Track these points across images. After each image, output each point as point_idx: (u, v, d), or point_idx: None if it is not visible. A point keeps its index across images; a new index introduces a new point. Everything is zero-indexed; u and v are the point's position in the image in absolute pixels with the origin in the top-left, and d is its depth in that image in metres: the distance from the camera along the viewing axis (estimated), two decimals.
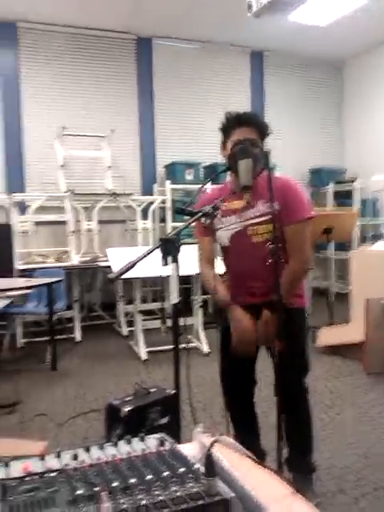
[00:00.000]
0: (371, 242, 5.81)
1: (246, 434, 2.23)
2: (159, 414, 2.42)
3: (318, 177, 7.14)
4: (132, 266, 1.54)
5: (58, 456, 0.96)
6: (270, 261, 1.90)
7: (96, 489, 0.79)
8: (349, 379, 3.78)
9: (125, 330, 5.37)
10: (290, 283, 1.98)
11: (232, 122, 2.00)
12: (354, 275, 4.61)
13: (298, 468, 2.17)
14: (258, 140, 1.97)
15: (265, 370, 2.23)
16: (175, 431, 1.66)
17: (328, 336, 4.44)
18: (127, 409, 2.34)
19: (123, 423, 2.34)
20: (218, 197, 1.91)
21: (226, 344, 2.12)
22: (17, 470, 0.91)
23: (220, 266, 2.22)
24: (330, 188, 6.92)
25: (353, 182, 6.68)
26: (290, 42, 6.79)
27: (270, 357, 2.12)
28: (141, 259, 1.56)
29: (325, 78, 7.64)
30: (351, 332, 4.31)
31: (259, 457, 2.14)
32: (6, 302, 2.97)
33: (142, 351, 4.41)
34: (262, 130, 2.01)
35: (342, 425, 2.98)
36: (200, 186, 2.16)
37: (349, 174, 7.19)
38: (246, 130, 1.96)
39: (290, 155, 7.03)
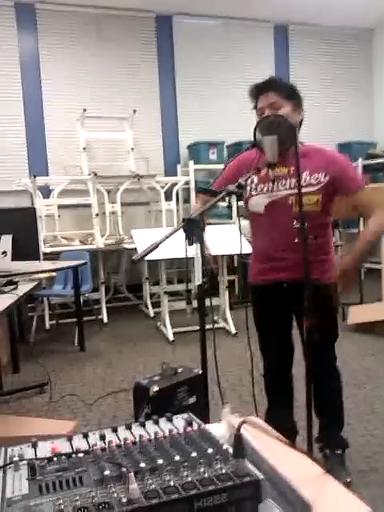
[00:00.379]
0: None
1: (280, 407, 2.21)
2: (187, 393, 2.43)
3: (348, 151, 6.93)
4: (155, 247, 1.52)
5: (86, 436, 0.96)
6: (296, 240, 1.84)
7: (123, 469, 0.78)
8: (381, 356, 3.73)
9: (151, 311, 5.40)
10: (374, 232, 2.02)
11: (253, 93, 1.98)
12: None
13: (330, 444, 2.15)
14: (283, 100, 1.93)
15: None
16: (203, 411, 1.65)
17: (359, 314, 4.37)
18: (155, 388, 2.35)
19: (151, 402, 2.36)
20: (248, 163, 1.86)
21: (260, 314, 2.14)
22: (45, 450, 0.91)
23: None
24: (361, 162, 6.74)
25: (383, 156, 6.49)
26: (315, 14, 6.57)
27: (299, 331, 2.10)
28: (164, 240, 1.54)
29: (353, 48, 7.38)
30: (383, 309, 4.24)
31: (290, 435, 2.13)
32: (33, 284, 2.99)
33: (169, 332, 4.42)
34: (284, 90, 1.96)
35: (375, 402, 2.94)
36: (223, 165, 2.11)
37: (379, 147, 6.98)
38: (267, 96, 1.93)
39: (318, 130, 6.84)
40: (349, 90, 7.38)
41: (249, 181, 1.98)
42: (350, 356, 3.69)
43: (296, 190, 1.92)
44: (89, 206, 5.23)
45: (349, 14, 6.68)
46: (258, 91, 1.97)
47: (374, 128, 7.51)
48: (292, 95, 1.97)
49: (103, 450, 0.89)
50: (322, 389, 2.03)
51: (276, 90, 1.94)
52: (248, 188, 2.02)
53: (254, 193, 2.03)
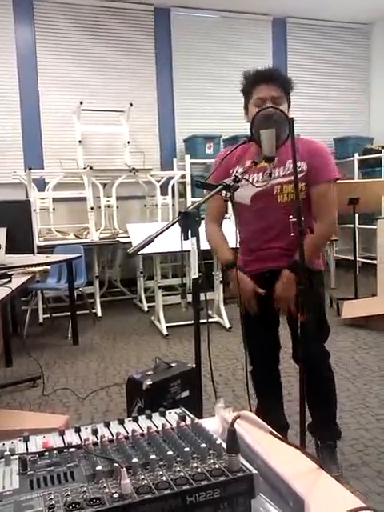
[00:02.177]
0: None
1: (270, 403, 2.22)
2: (180, 387, 2.43)
3: (344, 146, 6.95)
4: (150, 241, 1.51)
5: (78, 431, 0.95)
6: (292, 234, 1.83)
7: (115, 464, 0.78)
8: (375, 351, 3.75)
9: (145, 306, 5.39)
10: (315, 245, 1.97)
11: (251, 80, 1.93)
12: (380, 246, 4.52)
13: (323, 434, 2.16)
14: (283, 97, 1.91)
15: (285, 341, 2.21)
16: (196, 405, 1.65)
17: (353, 308, 4.38)
18: (148, 382, 2.34)
19: (144, 397, 2.35)
20: (240, 159, 1.85)
21: (247, 313, 2.12)
22: (36, 444, 0.90)
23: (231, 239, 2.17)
24: (357, 157, 6.74)
25: (380, 151, 6.49)
26: (313, 8, 6.55)
27: (288, 325, 2.11)
28: (159, 234, 1.53)
29: (350, 43, 7.37)
30: (378, 304, 4.26)
31: (281, 428, 2.14)
32: (27, 277, 2.98)
33: (163, 326, 4.42)
34: (286, 85, 1.93)
35: (368, 396, 2.95)
36: (221, 159, 2.10)
37: (376, 142, 6.98)
38: (267, 87, 1.89)
39: (314, 124, 6.85)
40: (346, 85, 7.37)
41: (234, 172, 1.96)
42: (344, 350, 3.71)
43: (281, 180, 1.93)
44: (84, 199, 5.21)
45: (347, 9, 6.67)
46: (261, 79, 1.91)
47: (370, 123, 7.51)
48: (288, 91, 1.95)
49: (95, 444, 0.89)
50: (313, 384, 2.02)
51: (280, 83, 1.91)
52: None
53: (240, 183, 2.02)
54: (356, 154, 6.75)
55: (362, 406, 2.83)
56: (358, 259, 5.69)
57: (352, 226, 5.11)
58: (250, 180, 1.98)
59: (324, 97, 7.15)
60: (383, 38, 7.21)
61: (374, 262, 4.98)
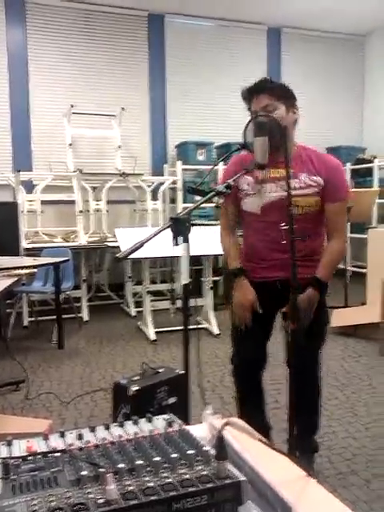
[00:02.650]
0: None
1: (252, 411, 2.20)
2: (167, 393, 2.40)
3: (336, 155, 6.96)
4: (140, 245, 1.51)
5: (63, 435, 0.93)
6: (284, 242, 1.83)
7: (101, 470, 0.76)
8: (364, 359, 3.76)
9: (133, 311, 5.36)
10: (334, 261, 2.02)
11: (245, 96, 1.97)
12: (370, 255, 4.56)
13: (302, 446, 2.15)
14: (275, 103, 1.91)
15: (275, 350, 2.20)
16: (183, 411, 1.64)
17: (343, 317, 4.40)
18: (135, 388, 2.32)
19: (130, 402, 2.32)
20: (242, 166, 1.85)
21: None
22: (20, 449, 0.88)
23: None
24: (349, 167, 6.80)
25: (372, 161, 6.55)
26: (309, 18, 6.63)
27: (285, 331, 2.10)
28: (149, 239, 1.52)
29: (345, 54, 7.45)
30: (367, 313, 4.28)
31: (264, 432, 2.13)
32: (13, 280, 2.95)
33: (151, 332, 4.39)
34: (279, 92, 1.95)
35: (357, 405, 2.96)
36: (212, 166, 2.11)
37: (368, 152, 7.05)
38: (260, 99, 1.91)
39: (308, 133, 6.88)
40: (340, 95, 7.45)
41: (244, 181, 1.97)
42: (333, 359, 3.72)
43: (296, 191, 1.92)
44: (73, 202, 5.18)
45: (342, 20, 6.76)
46: (250, 94, 1.95)
47: (363, 133, 7.59)
48: (285, 95, 1.96)
49: (80, 449, 0.87)
50: (301, 394, 2.02)
51: (268, 92, 1.92)
52: (244, 187, 2.01)
53: (250, 192, 2.01)
54: (348, 164, 6.81)
55: (351, 414, 2.83)
56: (348, 268, 5.73)
57: (365, 236, 5.10)
58: (260, 189, 1.98)
59: (318, 106, 7.20)
60: (377, 49, 7.30)
61: (364, 270, 5.01)
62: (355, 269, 6.39)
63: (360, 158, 6.89)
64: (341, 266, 5.35)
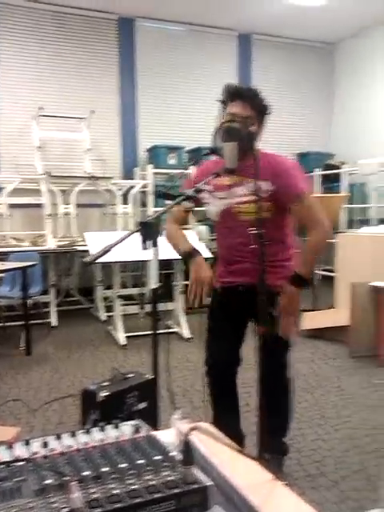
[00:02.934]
0: (358, 226, 5.82)
1: (226, 416, 2.21)
2: (137, 399, 2.38)
3: (306, 161, 7.11)
4: (109, 249, 1.50)
5: (27, 444, 0.91)
6: (252, 246, 1.85)
7: (65, 478, 0.75)
8: (334, 362, 3.82)
9: (103, 315, 5.30)
10: (313, 253, 2.01)
11: (230, 93, 1.95)
12: (339, 259, 4.64)
13: (272, 449, 2.16)
14: (254, 117, 1.92)
15: (245, 354, 2.21)
16: (153, 417, 1.63)
17: (312, 320, 4.46)
18: (104, 394, 2.28)
19: (99, 408, 2.29)
20: (211, 171, 1.85)
21: (213, 320, 2.13)
22: None
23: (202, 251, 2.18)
24: (318, 173, 6.92)
25: (340, 167, 6.68)
26: (279, 25, 6.72)
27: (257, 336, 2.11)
28: (117, 243, 1.51)
29: (314, 61, 7.57)
30: (336, 316, 4.35)
31: (238, 440, 2.13)
32: None
33: (121, 336, 4.35)
34: (258, 107, 1.95)
35: (326, 407, 3.00)
36: (182, 170, 2.12)
37: (337, 158, 7.18)
38: (238, 105, 1.91)
39: (277, 139, 6.99)
40: (309, 102, 7.56)
41: (206, 188, 1.98)
42: (302, 361, 3.76)
43: (240, 199, 1.95)
44: (41, 206, 5.10)
45: (311, 28, 6.87)
46: (238, 95, 1.93)
47: (331, 140, 7.72)
48: (262, 113, 1.97)
49: (45, 457, 0.85)
50: (271, 397, 2.03)
51: (254, 104, 1.93)
52: (207, 195, 2.02)
53: (210, 200, 2.04)
54: (317, 170, 6.93)
55: (320, 416, 2.87)
56: (317, 272, 5.82)
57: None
58: (214, 197, 2.00)
59: (287, 113, 7.29)
60: (346, 58, 7.45)
61: (333, 274, 5.10)
62: (324, 273, 6.49)
63: (328, 163, 7.02)
64: None
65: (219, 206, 2.01)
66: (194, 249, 2.02)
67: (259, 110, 1.96)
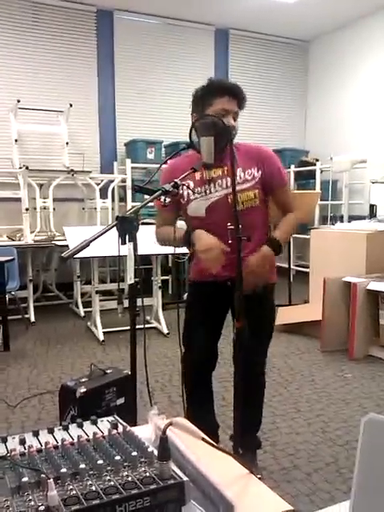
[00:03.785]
0: (331, 222, 5.91)
1: (201, 409, 2.22)
2: (115, 394, 2.39)
3: (281, 157, 7.14)
4: (87, 244, 1.48)
5: (4, 441, 0.91)
6: (230, 242, 1.85)
7: (43, 475, 0.75)
8: (307, 356, 3.87)
9: (81, 311, 5.27)
10: (292, 226, 2.10)
11: (217, 89, 1.93)
12: (313, 255, 4.70)
13: (245, 443, 2.19)
14: (238, 113, 1.97)
15: (221, 348, 2.23)
16: (131, 412, 1.63)
17: (287, 315, 4.52)
18: (82, 390, 2.29)
19: (78, 404, 2.29)
20: (185, 168, 1.84)
21: (192, 314, 2.13)
22: None
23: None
24: (292, 169, 6.97)
25: (314, 164, 6.75)
26: (256, 21, 6.74)
27: (235, 332, 2.12)
28: (95, 238, 1.50)
29: (290, 58, 7.61)
30: (309, 311, 4.41)
31: (212, 431, 2.16)
32: None
33: (100, 332, 4.34)
34: (242, 105, 2.00)
35: (300, 401, 3.04)
36: (160, 164, 2.11)
37: (310, 155, 7.25)
38: (233, 102, 1.93)
39: (253, 135, 7.02)
40: (284, 98, 7.61)
41: (185, 187, 1.95)
42: (277, 356, 3.81)
43: (230, 189, 1.94)
44: (19, 200, 5.03)
45: (287, 25, 6.91)
46: (229, 92, 1.94)
47: (305, 136, 7.80)
48: (241, 107, 2.01)
49: (22, 454, 0.85)
50: (246, 390, 2.05)
51: (240, 102, 1.97)
52: (185, 193, 2.00)
53: (192, 197, 2.01)
54: (292, 166, 6.99)
55: (294, 410, 2.91)
56: (292, 267, 5.89)
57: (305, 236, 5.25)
58: (197, 193, 1.99)
59: (263, 109, 7.34)
60: (320, 55, 7.52)
61: (307, 270, 5.16)
62: (298, 268, 6.58)
63: (303, 160, 7.08)
64: (285, 265, 5.54)
65: (208, 200, 1.99)
66: (187, 230, 1.96)
67: (240, 106, 2.00)
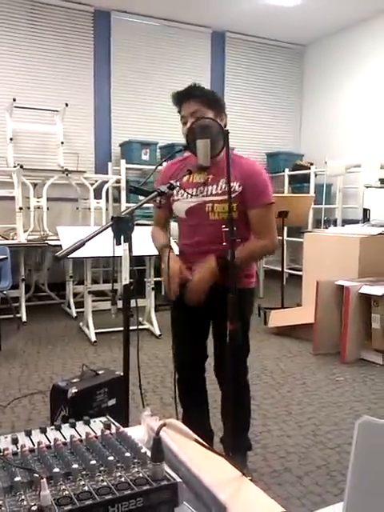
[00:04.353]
0: (325, 226, 5.93)
1: (195, 412, 2.22)
2: (107, 395, 2.38)
3: (275, 161, 7.20)
4: (81, 245, 1.48)
5: None
6: (224, 243, 1.86)
7: (35, 475, 0.75)
8: (299, 359, 3.88)
9: (74, 311, 5.25)
10: (251, 251, 1.98)
11: (174, 101, 2.00)
12: (306, 258, 4.72)
13: (235, 445, 2.19)
14: (203, 109, 1.93)
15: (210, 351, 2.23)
16: (123, 413, 1.63)
17: (280, 317, 4.53)
18: (73, 390, 2.28)
19: (69, 405, 2.28)
20: (179, 170, 1.86)
21: (179, 317, 2.14)
22: None
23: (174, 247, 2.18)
24: (287, 173, 6.99)
25: (309, 167, 6.78)
26: (253, 24, 6.77)
27: (214, 336, 2.13)
28: (90, 238, 1.50)
29: (286, 62, 7.64)
30: (302, 314, 4.42)
31: (207, 437, 2.15)
32: None
33: (92, 333, 4.33)
34: (207, 99, 1.96)
35: (291, 403, 3.04)
36: (155, 166, 2.12)
37: (305, 159, 7.28)
38: (189, 105, 1.94)
39: (248, 139, 7.05)
40: (280, 102, 7.63)
41: (178, 188, 1.97)
42: (269, 358, 3.81)
43: (213, 198, 1.96)
44: (12, 199, 5.01)
45: (283, 29, 6.95)
46: (179, 99, 1.98)
47: (300, 140, 7.83)
48: (213, 102, 1.97)
49: (15, 454, 0.85)
50: (231, 397, 2.05)
51: (197, 98, 1.94)
52: (175, 192, 2.02)
53: (176, 198, 2.04)
54: (287, 169, 7.01)
55: (285, 412, 2.92)
56: (285, 270, 5.90)
57: (280, 238, 5.27)
58: (185, 194, 2.00)
59: (258, 112, 7.37)
60: (316, 60, 7.56)
61: (300, 273, 5.18)
62: (292, 271, 6.60)
63: (297, 164, 7.11)
64: (278, 268, 5.56)
65: (188, 203, 2.01)
66: (166, 245, 2.05)
67: (208, 101, 1.96)
